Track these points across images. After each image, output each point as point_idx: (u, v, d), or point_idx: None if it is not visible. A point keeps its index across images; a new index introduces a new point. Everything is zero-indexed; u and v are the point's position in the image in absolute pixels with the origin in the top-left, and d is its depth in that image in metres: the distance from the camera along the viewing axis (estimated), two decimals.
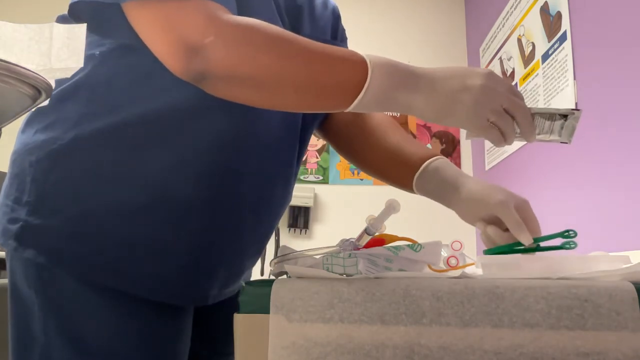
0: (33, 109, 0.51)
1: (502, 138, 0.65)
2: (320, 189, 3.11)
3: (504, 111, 0.63)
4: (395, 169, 0.85)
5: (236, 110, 0.68)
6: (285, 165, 0.81)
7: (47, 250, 0.68)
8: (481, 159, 2.86)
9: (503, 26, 2.51)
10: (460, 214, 0.79)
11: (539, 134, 0.69)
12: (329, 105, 0.63)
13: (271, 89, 0.61)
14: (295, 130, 0.82)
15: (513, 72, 2.36)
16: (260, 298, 0.57)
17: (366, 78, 0.59)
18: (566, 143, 0.70)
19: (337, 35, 0.92)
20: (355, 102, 0.60)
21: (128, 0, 0.60)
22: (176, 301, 0.73)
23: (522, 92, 2.25)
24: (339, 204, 3.09)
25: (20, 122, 0.74)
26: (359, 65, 0.60)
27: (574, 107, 0.56)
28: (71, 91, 0.71)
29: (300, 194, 2.97)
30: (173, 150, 0.70)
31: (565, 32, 1.83)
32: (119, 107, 0.69)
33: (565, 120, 0.68)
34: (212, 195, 0.72)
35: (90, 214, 0.68)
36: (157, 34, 0.59)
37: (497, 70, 2.59)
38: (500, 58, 2.55)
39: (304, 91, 0.61)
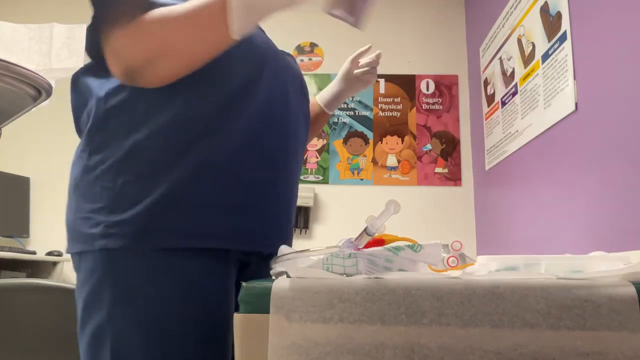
0: (33, 109, 0.51)
1: None
2: (320, 189, 3.11)
3: None
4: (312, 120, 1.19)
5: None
6: (299, 145, 1.03)
7: (133, 235, 0.80)
8: (481, 159, 2.86)
9: (503, 26, 2.51)
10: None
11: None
12: (216, 33, 0.76)
13: (173, 54, 0.77)
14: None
15: (513, 72, 2.36)
16: (260, 298, 0.57)
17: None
18: (356, 27, 0.77)
19: None
20: (234, 19, 0.72)
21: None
22: (244, 246, 0.88)
23: (522, 92, 2.25)
24: (339, 204, 3.09)
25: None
26: None
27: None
28: (114, 113, 0.85)
29: (300, 194, 2.95)
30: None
31: (565, 32, 1.83)
32: (162, 115, 0.84)
33: None
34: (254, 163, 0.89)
35: (161, 197, 0.82)
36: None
37: (497, 70, 2.59)
38: (500, 58, 2.55)
39: (192, 40, 0.76)
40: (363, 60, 1.17)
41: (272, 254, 0.97)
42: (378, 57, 1.17)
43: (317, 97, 1.22)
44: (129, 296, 0.81)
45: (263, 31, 1.12)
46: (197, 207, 0.83)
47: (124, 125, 0.84)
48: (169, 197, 0.82)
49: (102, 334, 0.81)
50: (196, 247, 0.82)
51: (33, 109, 0.52)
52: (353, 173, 3.13)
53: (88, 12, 0.77)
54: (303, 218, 3.04)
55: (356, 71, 1.17)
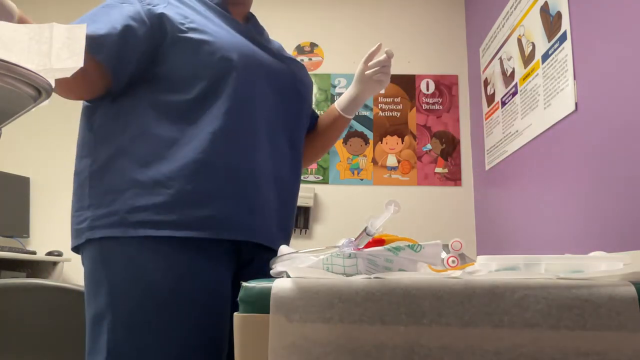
0: (33, 109, 0.51)
1: None
2: (320, 189, 3.11)
3: None
4: (329, 124, 1.28)
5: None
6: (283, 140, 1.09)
7: (117, 224, 0.88)
8: (481, 159, 2.86)
9: (503, 26, 2.51)
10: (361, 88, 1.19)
11: None
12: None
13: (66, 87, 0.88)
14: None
15: (513, 72, 2.36)
16: (260, 298, 0.57)
17: None
18: None
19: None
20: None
21: None
22: (235, 235, 0.93)
23: (522, 92, 2.25)
24: (339, 204, 3.09)
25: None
26: None
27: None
28: (102, 123, 0.95)
29: (300, 194, 2.96)
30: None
31: (565, 32, 1.83)
32: (134, 123, 0.94)
33: None
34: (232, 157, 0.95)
35: (140, 191, 0.89)
36: None
37: (497, 70, 2.59)
38: (500, 58, 2.55)
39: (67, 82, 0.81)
40: (373, 60, 1.15)
41: (268, 248, 0.98)
42: (389, 54, 1.13)
43: (336, 102, 1.24)
44: (113, 284, 0.87)
45: (262, 35, 1.12)
46: (173, 199, 0.89)
47: (108, 133, 0.93)
48: (146, 191, 0.89)
49: (97, 323, 0.87)
50: (174, 237, 0.87)
51: (33, 109, 0.52)
52: (353, 173, 3.13)
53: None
54: (303, 218, 3.04)
55: (367, 72, 1.15)
